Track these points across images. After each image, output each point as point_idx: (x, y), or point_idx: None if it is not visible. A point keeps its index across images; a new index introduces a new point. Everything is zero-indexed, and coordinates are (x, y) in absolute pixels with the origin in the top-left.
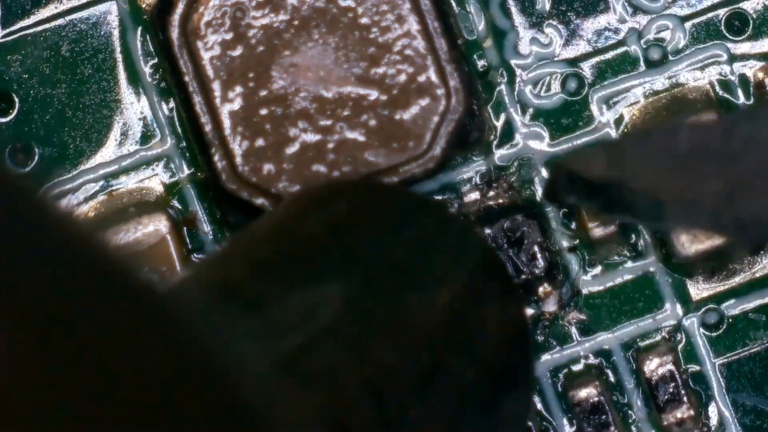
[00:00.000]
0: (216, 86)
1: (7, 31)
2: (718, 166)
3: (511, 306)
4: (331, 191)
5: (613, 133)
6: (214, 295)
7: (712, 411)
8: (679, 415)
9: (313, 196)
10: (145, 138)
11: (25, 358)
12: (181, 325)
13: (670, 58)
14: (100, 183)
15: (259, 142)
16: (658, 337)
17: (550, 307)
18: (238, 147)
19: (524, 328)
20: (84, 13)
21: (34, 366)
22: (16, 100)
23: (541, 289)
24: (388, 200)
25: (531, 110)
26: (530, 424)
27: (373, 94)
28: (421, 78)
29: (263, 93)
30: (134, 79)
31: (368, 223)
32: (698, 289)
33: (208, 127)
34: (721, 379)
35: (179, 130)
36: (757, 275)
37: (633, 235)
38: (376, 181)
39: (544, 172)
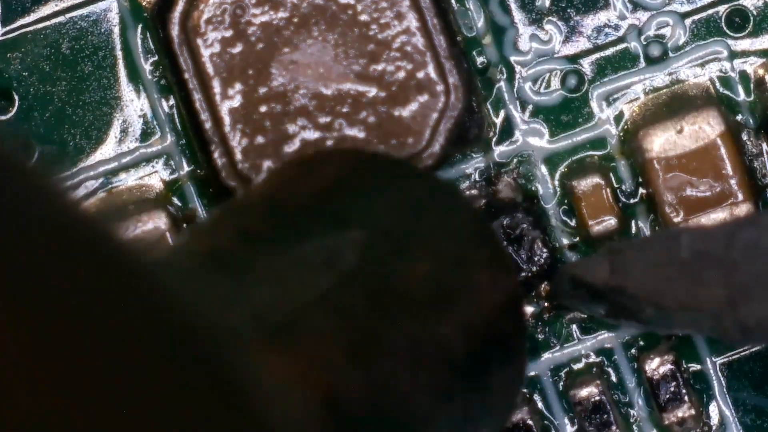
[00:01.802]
0: (216, 83)
1: (7, 28)
2: (720, 273)
3: (501, 274)
4: (319, 159)
5: (613, 130)
6: (202, 263)
7: (713, 410)
8: (680, 414)
9: (301, 165)
10: (145, 135)
11: (14, 335)
12: (165, 291)
13: (671, 54)
14: (100, 180)
15: (259, 139)
16: (660, 336)
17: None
18: (237, 144)
19: (515, 296)
20: (84, 11)
21: (9, 330)
22: (16, 97)
23: (542, 287)
24: (376, 167)
25: (530, 107)
26: (530, 420)
27: (372, 91)
28: (420, 75)
29: (263, 90)
30: (134, 76)
31: (356, 190)
32: None
33: (208, 125)
34: (722, 378)
35: (179, 127)
36: None
37: (633, 232)
38: (363, 149)
39: (544, 169)
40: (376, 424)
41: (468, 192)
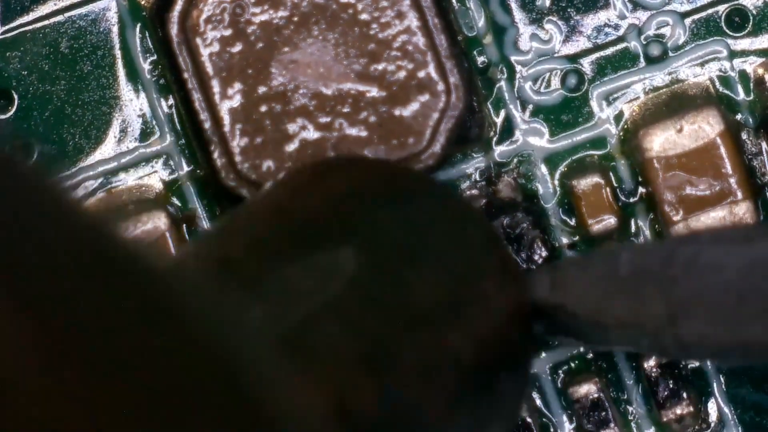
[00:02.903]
0: (215, 83)
1: (6, 27)
2: (658, 290)
3: (509, 282)
4: (329, 167)
5: (613, 130)
6: (213, 273)
7: (712, 407)
8: (678, 411)
9: (311, 172)
10: (145, 135)
11: (25, 341)
12: (181, 303)
13: (670, 54)
14: (99, 180)
15: (259, 138)
16: None
17: None
18: (237, 144)
19: (523, 304)
20: (83, 10)
21: (35, 349)
22: (15, 96)
23: None
24: (386, 176)
25: (531, 106)
26: (529, 418)
27: (373, 91)
28: (421, 74)
29: (262, 90)
30: (133, 75)
31: (367, 199)
32: None
33: (207, 124)
34: (720, 376)
35: (178, 127)
36: None
37: (633, 231)
38: (373, 157)
39: (544, 169)
40: None
41: (468, 191)
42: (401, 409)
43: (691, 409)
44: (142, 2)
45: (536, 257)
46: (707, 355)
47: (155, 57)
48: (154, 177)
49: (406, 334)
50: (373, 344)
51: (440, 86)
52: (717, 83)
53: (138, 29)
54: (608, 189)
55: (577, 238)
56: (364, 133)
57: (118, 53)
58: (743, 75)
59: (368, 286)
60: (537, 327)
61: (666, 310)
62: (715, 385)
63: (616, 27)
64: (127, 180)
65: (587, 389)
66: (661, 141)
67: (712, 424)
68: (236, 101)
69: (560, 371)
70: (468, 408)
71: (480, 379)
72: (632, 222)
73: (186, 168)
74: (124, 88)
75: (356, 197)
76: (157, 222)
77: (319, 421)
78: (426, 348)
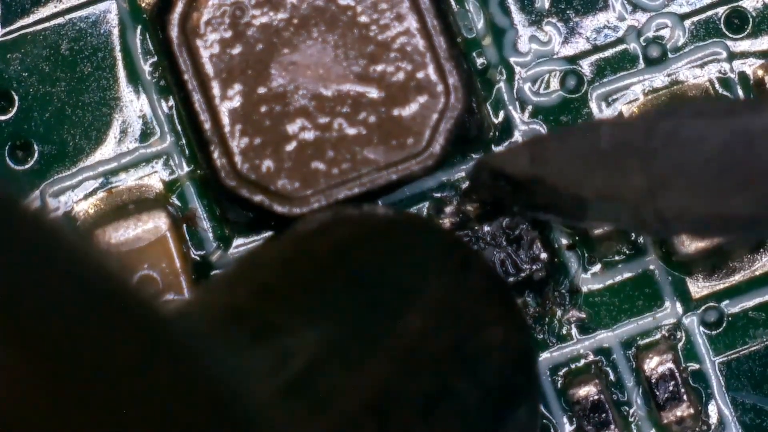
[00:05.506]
0: (215, 84)
1: (7, 29)
2: (639, 163)
3: (514, 328)
4: (333, 219)
5: None
6: (220, 320)
7: (712, 409)
8: (678, 413)
9: (316, 221)
10: (145, 136)
11: (25, 380)
12: (187, 351)
13: (670, 55)
14: (100, 180)
15: (258, 139)
16: (658, 336)
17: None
18: (237, 144)
19: (528, 350)
20: (83, 12)
21: (34, 389)
22: (16, 98)
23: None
24: (392, 224)
25: (530, 108)
26: None
27: (372, 92)
28: (420, 75)
29: (262, 91)
30: (134, 77)
31: (372, 247)
32: (698, 287)
33: (207, 125)
34: (720, 378)
35: (179, 127)
36: (757, 273)
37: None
38: (380, 208)
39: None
40: None
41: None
42: None
43: (692, 410)
44: (143, 4)
45: (535, 258)
46: (687, 229)
47: (156, 59)
48: (154, 177)
49: (410, 379)
50: (378, 389)
51: (439, 87)
52: (717, 85)
53: (138, 31)
54: None
55: (576, 239)
56: (363, 134)
57: (118, 55)
58: (743, 77)
59: (373, 333)
60: (517, 200)
61: (646, 183)
62: (715, 386)
63: (615, 28)
64: (128, 180)
65: (587, 391)
66: None
67: (713, 426)
68: (236, 102)
69: (560, 373)
70: None
71: (484, 425)
72: None
73: (186, 168)
74: (125, 90)
75: (361, 245)
76: (158, 222)
77: None
78: (430, 393)
